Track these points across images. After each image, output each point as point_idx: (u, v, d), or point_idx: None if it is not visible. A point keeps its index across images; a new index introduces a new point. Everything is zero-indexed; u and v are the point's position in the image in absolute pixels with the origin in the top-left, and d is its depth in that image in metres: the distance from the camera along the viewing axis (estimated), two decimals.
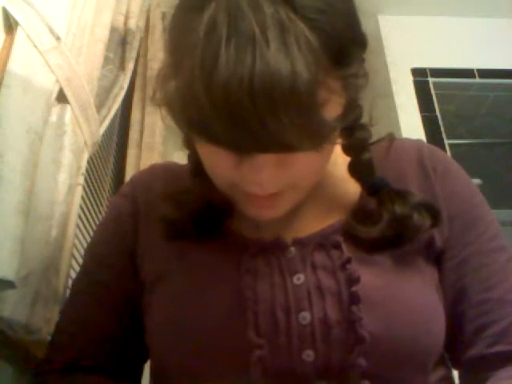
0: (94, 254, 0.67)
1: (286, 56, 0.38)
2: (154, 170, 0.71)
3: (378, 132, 0.59)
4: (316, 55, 0.40)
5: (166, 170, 0.70)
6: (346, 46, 0.44)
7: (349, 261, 0.53)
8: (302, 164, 0.47)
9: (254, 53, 0.38)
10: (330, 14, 0.42)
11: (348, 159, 0.59)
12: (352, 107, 0.48)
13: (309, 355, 0.50)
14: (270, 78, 0.38)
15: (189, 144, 0.59)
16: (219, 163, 0.48)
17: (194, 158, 0.58)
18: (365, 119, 0.56)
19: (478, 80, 2.36)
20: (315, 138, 0.42)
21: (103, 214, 1.47)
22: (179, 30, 0.44)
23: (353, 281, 0.51)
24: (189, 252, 0.59)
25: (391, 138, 0.63)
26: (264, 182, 0.46)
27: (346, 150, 0.59)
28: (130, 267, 0.63)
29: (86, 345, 0.62)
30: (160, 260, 0.60)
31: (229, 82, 0.38)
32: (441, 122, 2.21)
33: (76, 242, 1.15)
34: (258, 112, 0.38)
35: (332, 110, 0.43)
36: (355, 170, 0.59)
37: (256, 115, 0.39)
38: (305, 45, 0.39)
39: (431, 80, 2.31)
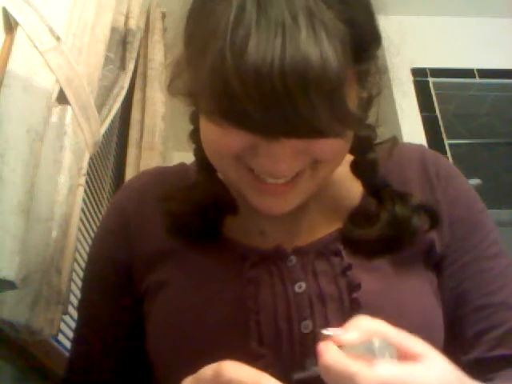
0: (93, 274, 0.66)
1: (315, 42, 0.38)
2: (144, 176, 0.69)
3: (378, 132, 0.59)
4: (343, 44, 0.40)
5: (158, 174, 0.68)
6: (365, 41, 0.44)
7: (349, 267, 0.53)
8: (323, 149, 0.46)
9: (285, 36, 0.38)
10: (353, 7, 0.42)
11: (351, 159, 0.59)
12: (365, 104, 0.48)
13: (311, 363, 0.49)
14: (301, 62, 0.37)
15: (196, 137, 0.58)
16: (233, 147, 0.47)
17: (201, 153, 0.57)
18: (370, 120, 0.55)
19: (478, 80, 2.36)
20: (343, 123, 0.41)
21: (103, 214, 1.46)
22: (204, 16, 0.43)
23: (353, 287, 0.51)
24: (189, 260, 0.58)
25: (394, 141, 0.62)
26: (281, 170, 0.46)
27: (352, 148, 0.58)
28: (128, 284, 0.62)
29: (99, 368, 0.62)
30: (160, 269, 0.59)
31: (260, 63, 0.38)
32: (441, 122, 2.21)
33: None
34: (290, 94, 0.38)
35: (351, 102, 0.43)
36: (359, 168, 0.59)
37: (287, 97, 0.38)
38: (333, 33, 0.39)
39: (431, 80, 2.31)
